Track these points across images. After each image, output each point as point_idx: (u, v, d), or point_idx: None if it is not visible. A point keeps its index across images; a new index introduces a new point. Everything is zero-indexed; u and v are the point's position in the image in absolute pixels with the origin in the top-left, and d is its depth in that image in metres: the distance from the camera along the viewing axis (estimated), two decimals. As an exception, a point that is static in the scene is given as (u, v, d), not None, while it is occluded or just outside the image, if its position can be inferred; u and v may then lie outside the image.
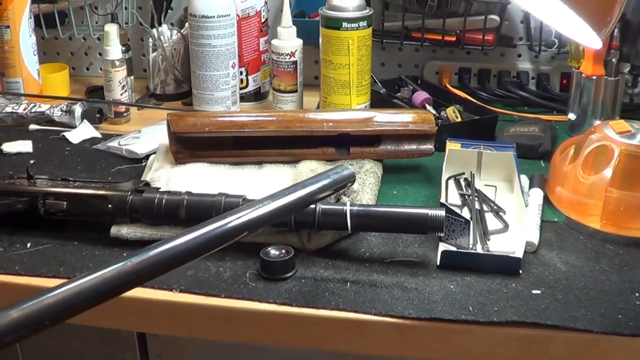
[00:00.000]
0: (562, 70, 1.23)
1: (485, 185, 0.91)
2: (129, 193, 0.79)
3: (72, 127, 1.11)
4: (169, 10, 1.29)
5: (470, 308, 0.68)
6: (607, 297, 0.70)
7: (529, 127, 1.05)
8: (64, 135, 1.08)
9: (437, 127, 0.94)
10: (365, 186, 0.86)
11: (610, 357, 0.67)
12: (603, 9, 0.68)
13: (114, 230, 0.79)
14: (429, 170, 0.97)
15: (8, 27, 1.16)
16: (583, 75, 1.05)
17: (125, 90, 1.15)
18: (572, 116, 1.09)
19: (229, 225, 0.59)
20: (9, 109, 1.13)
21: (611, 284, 0.72)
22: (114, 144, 1.04)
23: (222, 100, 1.13)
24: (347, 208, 0.75)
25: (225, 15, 1.09)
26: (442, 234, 0.74)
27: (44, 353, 0.84)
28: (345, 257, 0.77)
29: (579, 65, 1.06)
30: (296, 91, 1.14)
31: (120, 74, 1.14)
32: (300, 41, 1.13)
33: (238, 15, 1.14)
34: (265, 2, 1.20)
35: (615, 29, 1.02)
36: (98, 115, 1.13)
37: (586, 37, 0.73)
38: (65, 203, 0.80)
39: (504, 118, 1.11)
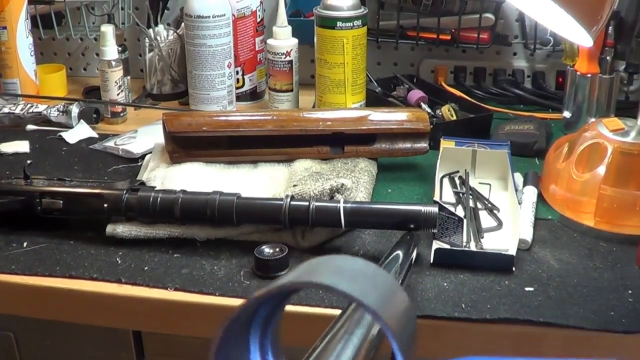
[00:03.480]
0: (558, 68, 1.23)
1: (479, 183, 0.91)
2: (125, 192, 0.80)
3: (69, 127, 1.11)
4: (165, 11, 1.29)
5: (463, 305, 0.69)
6: (600, 294, 0.71)
7: (524, 125, 1.05)
8: (60, 136, 1.08)
9: (431, 126, 0.95)
10: (360, 184, 0.86)
11: (603, 354, 0.67)
12: (593, 7, 0.68)
13: (110, 229, 0.80)
14: (424, 169, 0.97)
15: (5, 28, 1.17)
16: (578, 73, 1.05)
17: (122, 90, 1.16)
18: (567, 114, 1.09)
19: None
20: (6, 110, 1.13)
21: (604, 281, 0.73)
22: (110, 143, 1.04)
23: (218, 99, 1.13)
24: (341, 205, 0.75)
25: (221, 15, 1.09)
26: (435, 231, 0.75)
27: (41, 352, 0.85)
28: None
29: (573, 63, 1.07)
30: (292, 90, 1.14)
31: (116, 74, 1.14)
32: (295, 41, 1.13)
33: (234, 15, 1.14)
34: (261, 2, 1.20)
35: (610, 27, 1.03)
36: (95, 116, 1.13)
37: (577, 35, 0.73)
38: (61, 202, 0.81)
39: (499, 116, 1.11)
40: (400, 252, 0.67)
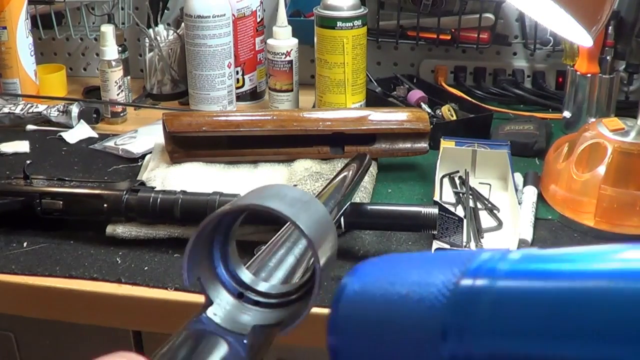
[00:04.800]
0: (558, 68, 1.23)
1: (479, 183, 0.91)
2: (125, 192, 0.80)
3: (69, 127, 1.11)
4: (165, 11, 1.29)
5: (463, 305, 0.68)
6: (599, 293, 0.71)
7: (524, 125, 1.05)
8: (60, 136, 1.08)
9: (431, 126, 0.95)
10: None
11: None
12: (593, 7, 0.68)
13: (110, 229, 0.80)
14: (424, 169, 0.97)
15: (5, 28, 1.17)
16: (578, 73, 1.05)
17: (122, 90, 1.16)
18: (567, 114, 1.09)
19: None
20: (6, 110, 1.13)
21: (604, 281, 0.73)
22: (110, 143, 1.04)
23: (218, 99, 1.13)
24: (341, 206, 0.75)
25: (221, 15, 1.09)
26: (435, 232, 0.75)
27: (41, 352, 0.85)
28: (339, 255, 0.76)
29: (573, 63, 1.07)
30: (292, 90, 1.14)
31: (116, 74, 1.14)
32: (295, 40, 1.13)
33: (234, 15, 1.15)
34: (261, 2, 1.20)
35: (610, 27, 1.03)
36: (95, 115, 1.13)
37: (577, 35, 0.73)
38: (61, 203, 0.81)
39: (499, 116, 1.11)
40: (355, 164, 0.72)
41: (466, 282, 0.28)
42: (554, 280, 0.27)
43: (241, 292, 0.38)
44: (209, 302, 0.37)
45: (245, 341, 0.34)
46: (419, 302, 0.29)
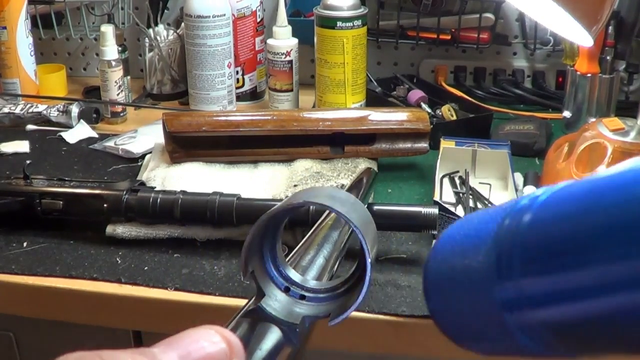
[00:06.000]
0: (558, 68, 1.24)
1: (479, 183, 0.91)
2: (125, 192, 0.80)
3: (69, 127, 1.11)
4: (165, 11, 1.29)
5: (463, 305, 0.69)
6: (599, 293, 0.71)
7: (524, 125, 1.05)
8: (60, 136, 1.08)
9: (431, 126, 0.95)
10: (360, 184, 0.86)
11: (603, 353, 0.67)
12: (593, 7, 0.68)
13: (110, 229, 0.80)
14: (424, 169, 0.97)
15: (5, 28, 1.17)
16: (578, 73, 1.05)
17: (122, 90, 1.16)
18: (567, 114, 1.09)
19: None
20: (6, 110, 1.13)
21: (604, 281, 0.73)
22: (110, 143, 1.04)
23: (218, 99, 1.13)
24: (341, 206, 0.75)
25: (221, 15, 1.09)
26: (435, 232, 0.75)
27: (41, 352, 0.85)
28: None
29: (573, 63, 1.07)
30: (292, 90, 1.14)
31: (116, 74, 1.14)
32: (295, 40, 1.13)
33: (234, 15, 1.15)
34: (261, 2, 1.20)
35: (610, 27, 1.03)
36: (95, 115, 1.13)
37: (577, 35, 0.73)
38: (61, 203, 0.81)
39: (499, 116, 1.11)
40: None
41: (511, 215, 0.33)
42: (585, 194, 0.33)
43: (287, 287, 0.42)
44: (262, 294, 0.40)
45: (297, 330, 0.38)
46: (477, 240, 0.35)
